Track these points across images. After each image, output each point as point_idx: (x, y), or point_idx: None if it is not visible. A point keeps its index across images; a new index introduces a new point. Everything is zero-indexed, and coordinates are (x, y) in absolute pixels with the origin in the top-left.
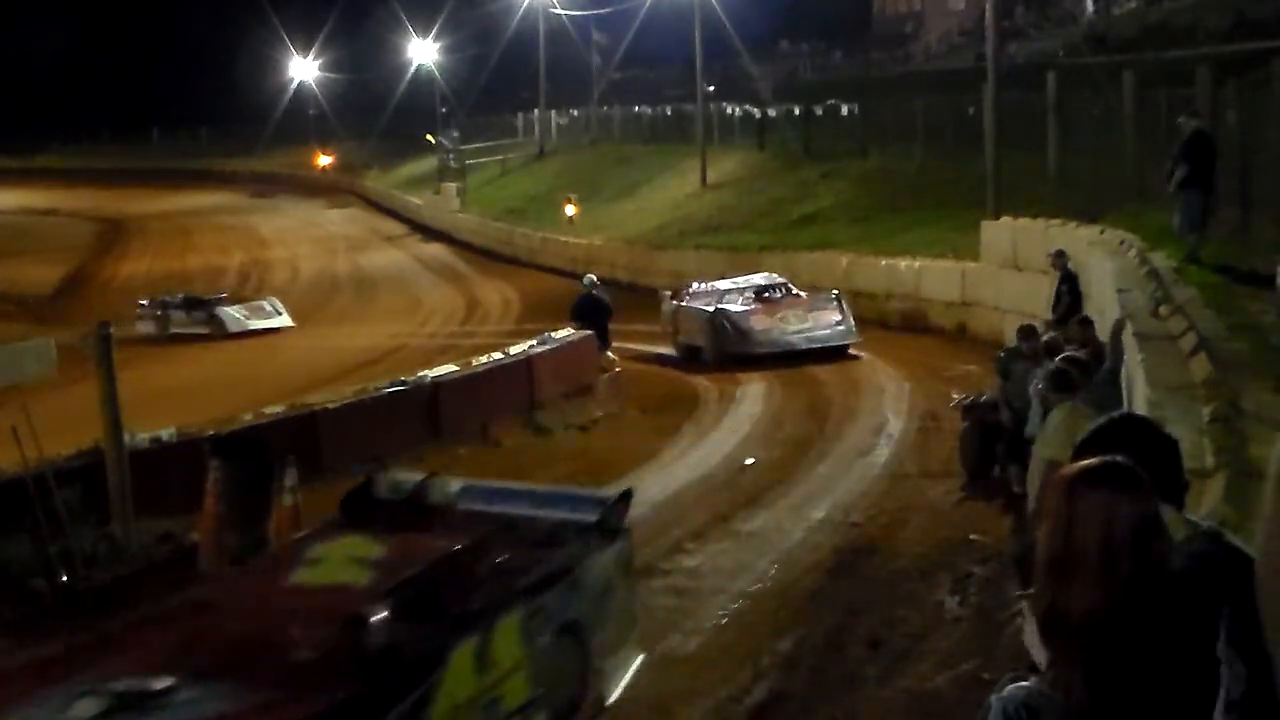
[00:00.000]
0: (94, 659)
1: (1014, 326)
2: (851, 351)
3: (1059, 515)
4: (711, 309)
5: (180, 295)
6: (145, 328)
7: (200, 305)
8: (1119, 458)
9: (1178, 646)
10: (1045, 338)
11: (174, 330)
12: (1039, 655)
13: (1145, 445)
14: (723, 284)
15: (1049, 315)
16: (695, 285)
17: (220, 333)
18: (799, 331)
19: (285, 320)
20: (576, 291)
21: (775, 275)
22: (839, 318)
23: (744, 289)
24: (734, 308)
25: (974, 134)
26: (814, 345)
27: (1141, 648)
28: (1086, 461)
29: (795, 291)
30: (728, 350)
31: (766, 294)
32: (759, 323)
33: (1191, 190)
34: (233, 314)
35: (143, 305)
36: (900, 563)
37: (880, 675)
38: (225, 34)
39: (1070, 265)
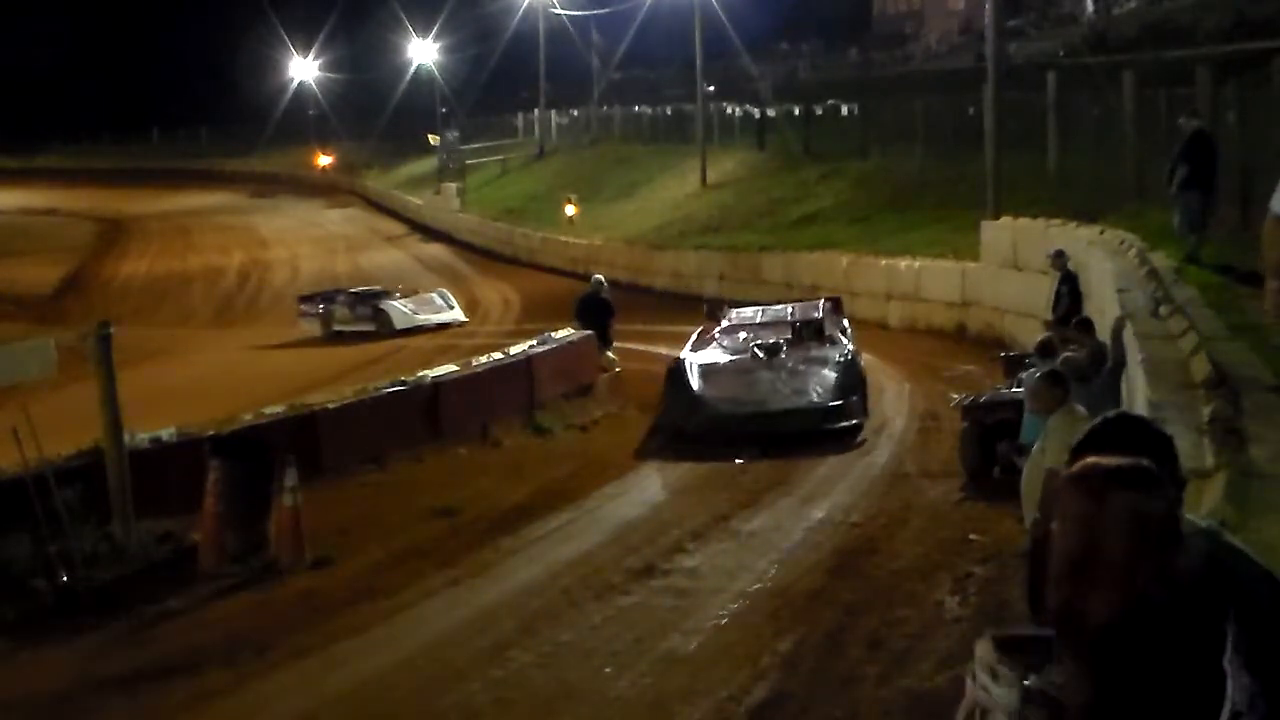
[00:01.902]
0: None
1: (1014, 326)
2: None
3: (1085, 516)
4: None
5: (343, 289)
6: (309, 327)
7: (365, 300)
8: (1143, 460)
9: (1186, 650)
10: (1040, 338)
11: (337, 328)
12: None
13: (1141, 444)
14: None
15: (1049, 315)
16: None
17: (387, 330)
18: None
19: (457, 314)
20: (576, 292)
21: (817, 306)
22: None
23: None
24: (714, 357)
25: (974, 134)
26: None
27: (1154, 649)
28: (1113, 462)
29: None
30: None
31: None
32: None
33: (1192, 190)
34: (400, 308)
35: (303, 302)
36: (900, 563)
37: (880, 675)
38: (225, 34)
39: (1070, 265)
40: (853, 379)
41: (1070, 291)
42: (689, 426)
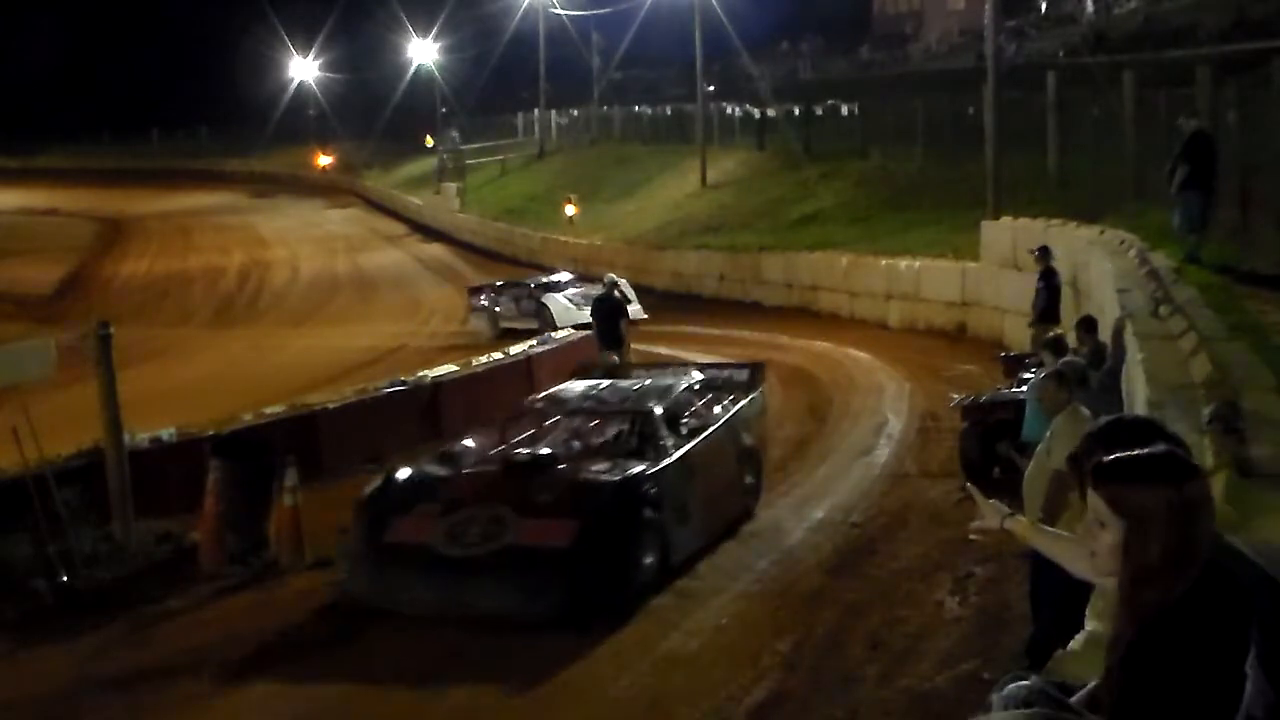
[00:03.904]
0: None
1: (1014, 326)
2: (852, 351)
3: (1177, 512)
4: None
5: (515, 280)
6: (478, 324)
7: (532, 292)
8: (1176, 449)
9: (1215, 647)
10: (1050, 335)
11: (504, 325)
12: None
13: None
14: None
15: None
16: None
17: (549, 328)
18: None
19: (634, 310)
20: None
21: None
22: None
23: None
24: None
25: (974, 134)
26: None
27: (1190, 644)
28: (1179, 456)
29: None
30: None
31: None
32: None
33: (1191, 190)
34: (563, 304)
35: (472, 294)
36: (900, 563)
37: (880, 675)
38: (225, 34)
39: (1053, 262)
40: (611, 557)
41: (1047, 288)
42: (350, 588)
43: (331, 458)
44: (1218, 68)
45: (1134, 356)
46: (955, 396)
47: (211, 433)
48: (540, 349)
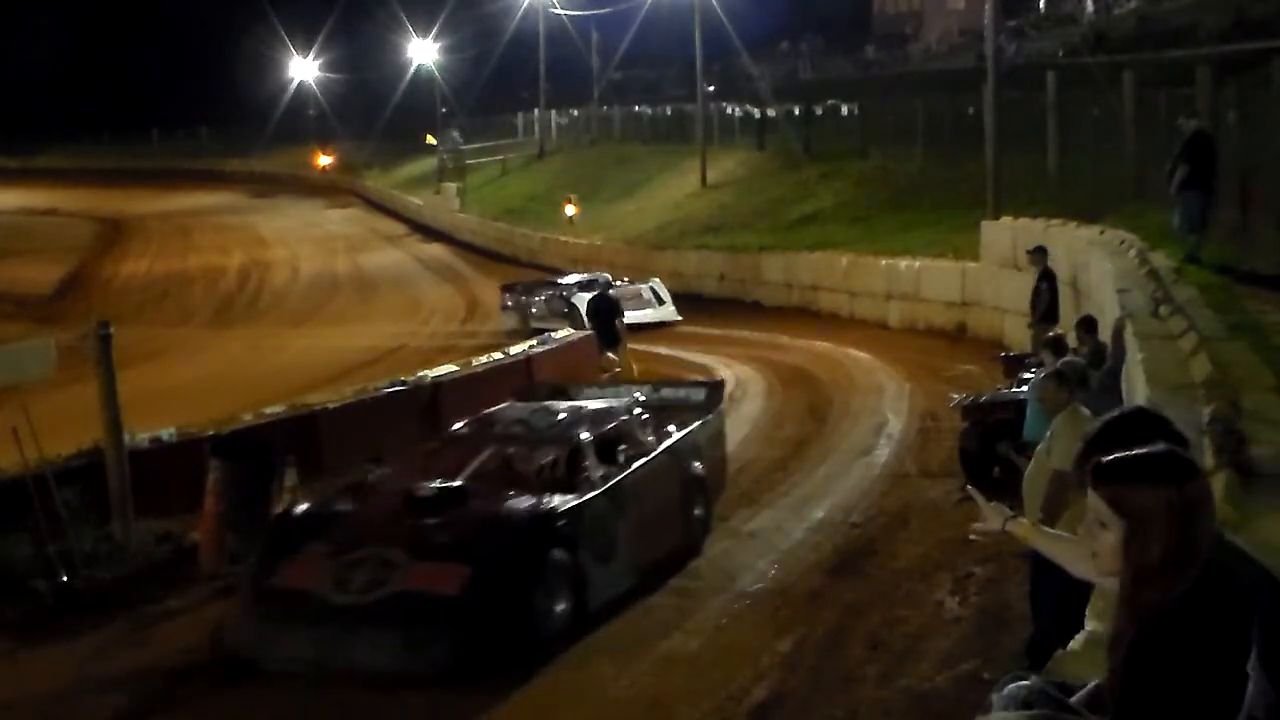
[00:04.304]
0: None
1: (1014, 326)
2: (851, 351)
3: (1170, 506)
4: None
5: (549, 279)
6: (508, 320)
7: (562, 292)
8: (1175, 447)
9: (1217, 647)
10: (1050, 334)
11: (534, 325)
12: None
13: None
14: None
15: (1031, 316)
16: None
17: (579, 328)
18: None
19: (668, 312)
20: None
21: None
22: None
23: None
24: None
25: (974, 134)
26: None
27: (1193, 643)
28: (1180, 455)
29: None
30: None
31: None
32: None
33: (1191, 190)
34: None
35: (505, 292)
36: (900, 563)
37: (880, 675)
38: (225, 34)
39: (1050, 263)
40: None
41: (1050, 289)
42: (228, 639)
43: (331, 458)
44: (1218, 68)
45: (1134, 356)
46: (955, 396)
47: (211, 433)
48: (540, 349)
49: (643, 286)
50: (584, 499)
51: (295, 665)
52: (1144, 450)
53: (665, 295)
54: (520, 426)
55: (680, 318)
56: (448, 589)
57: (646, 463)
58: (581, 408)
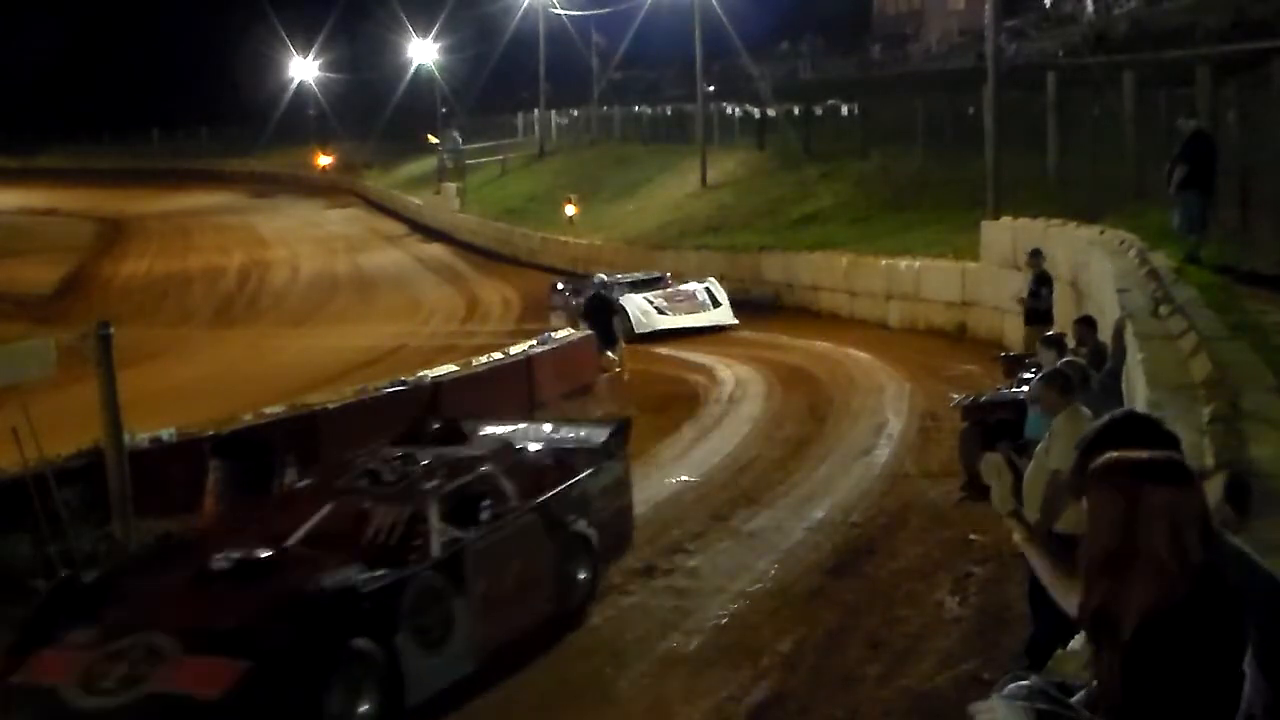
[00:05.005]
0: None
1: (1014, 327)
2: (852, 351)
3: (1121, 512)
4: None
5: (603, 277)
6: (558, 321)
7: (607, 294)
8: (1173, 454)
9: (1210, 651)
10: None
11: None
12: None
13: (1148, 443)
14: None
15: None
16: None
17: (625, 333)
18: None
19: (724, 315)
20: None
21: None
22: None
23: None
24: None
25: (974, 134)
26: None
27: (1188, 645)
28: (1143, 455)
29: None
30: None
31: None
32: None
33: (1191, 190)
34: (640, 305)
35: (554, 290)
36: (900, 563)
37: (880, 675)
38: (225, 34)
39: (1045, 266)
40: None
41: (1050, 290)
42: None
43: (331, 458)
44: (1217, 68)
45: (1134, 356)
46: (955, 396)
47: (211, 433)
48: (540, 349)
49: (697, 287)
50: (405, 574)
51: None
52: (1143, 453)
53: (722, 297)
54: (366, 480)
55: (736, 321)
56: (209, 691)
57: (506, 524)
58: (446, 456)
